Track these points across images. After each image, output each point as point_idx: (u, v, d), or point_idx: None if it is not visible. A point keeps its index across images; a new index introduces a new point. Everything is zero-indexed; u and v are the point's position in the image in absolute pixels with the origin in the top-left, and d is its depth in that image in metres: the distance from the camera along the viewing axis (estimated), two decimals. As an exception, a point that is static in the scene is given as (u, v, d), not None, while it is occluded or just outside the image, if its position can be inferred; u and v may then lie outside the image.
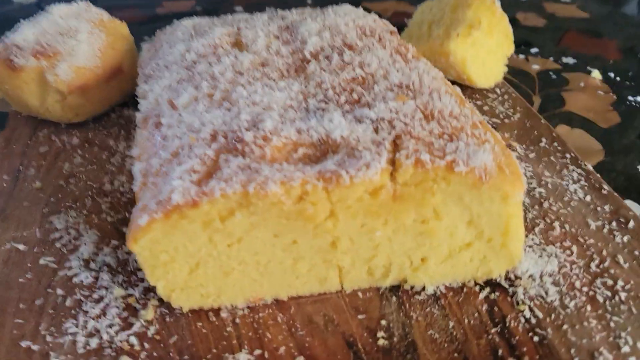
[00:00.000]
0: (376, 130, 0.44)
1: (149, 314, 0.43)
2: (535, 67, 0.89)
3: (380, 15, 0.68)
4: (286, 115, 0.45)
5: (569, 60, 0.91)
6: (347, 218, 0.41)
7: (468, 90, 0.74)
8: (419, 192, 0.41)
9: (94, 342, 0.41)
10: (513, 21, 1.03)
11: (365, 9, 0.70)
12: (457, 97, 0.52)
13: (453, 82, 0.73)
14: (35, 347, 0.41)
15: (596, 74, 0.86)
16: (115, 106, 0.68)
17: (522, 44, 0.96)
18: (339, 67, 0.53)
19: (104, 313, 0.43)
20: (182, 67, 0.54)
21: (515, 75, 0.85)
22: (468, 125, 0.46)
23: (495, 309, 0.44)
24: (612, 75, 0.87)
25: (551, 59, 0.92)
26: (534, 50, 0.94)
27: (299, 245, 0.42)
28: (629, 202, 0.60)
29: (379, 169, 0.40)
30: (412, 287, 0.46)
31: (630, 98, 0.80)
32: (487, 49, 0.72)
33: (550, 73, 0.87)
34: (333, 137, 0.43)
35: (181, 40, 0.59)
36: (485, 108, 0.71)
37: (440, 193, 0.41)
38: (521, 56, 0.92)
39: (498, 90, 0.75)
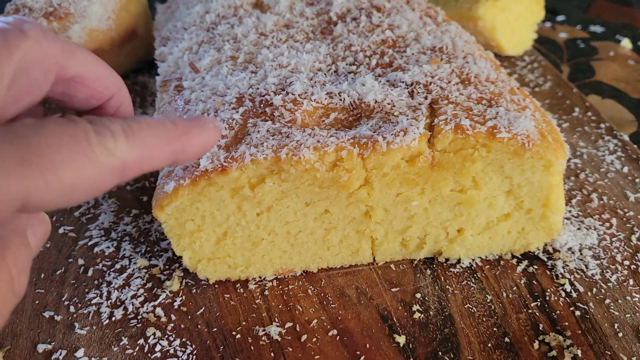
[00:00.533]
0: (411, 95, 0.42)
1: (174, 284, 0.41)
2: (563, 35, 0.86)
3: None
4: (315, 79, 0.43)
5: (597, 28, 0.88)
6: (382, 187, 0.39)
7: (496, 58, 0.71)
8: (458, 159, 0.39)
9: (118, 313, 0.39)
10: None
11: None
12: (491, 61, 0.49)
13: (480, 49, 0.70)
14: (58, 318, 0.39)
15: (626, 43, 0.83)
16: (129, 72, 0.65)
17: (548, 11, 0.92)
18: (368, 29, 0.51)
19: (127, 284, 0.42)
20: (202, 29, 0.51)
21: (542, 44, 0.82)
22: (506, 91, 0.44)
23: (534, 282, 0.42)
24: (641, 44, 0.83)
25: (579, 27, 0.88)
26: (560, 18, 0.91)
27: (331, 215, 0.40)
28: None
29: (417, 135, 0.38)
30: (446, 260, 0.44)
31: (662, 67, 0.77)
32: (516, 14, 0.69)
33: (578, 42, 0.84)
34: (366, 101, 0.41)
35: (198, 0, 0.56)
36: (515, 76, 0.68)
37: (481, 161, 0.39)
38: (547, 24, 0.88)
39: (527, 58, 0.72)
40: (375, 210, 0.40)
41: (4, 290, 0.23)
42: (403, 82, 0.43)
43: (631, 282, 0.42)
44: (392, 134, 0.37)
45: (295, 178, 0.37)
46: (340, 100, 0.41)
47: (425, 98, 0.41)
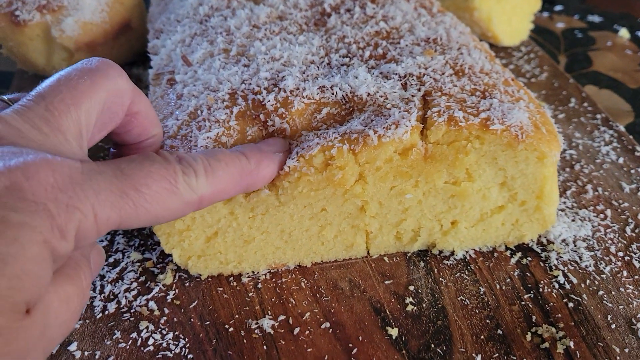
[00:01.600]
0: (404, 87, 0.42)
1: (167, 278, 0.41)
2: (560, 25, 0.85)
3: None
4: (308, 72, 0.43)
5: (595, 18, 0.87)
6: (376, 180, 0.39)
7: (492, 48, 0.71)
8: (452, 151, 0.39)
9: (112, 307, 0.39)
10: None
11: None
12: (486, 52, 0.49)
13: (477, 40, 0.70)
14: (51, 312, 0.39)
15: (624, 33, 0.82)
16: (124, 65, 0.65)
17: (546, 1, 0.92)
18: (362, 20, 0.50)
19: (120, 277, 0.42)
20: (195, 21, 0.51)
21: (539, 34, 0.82)
22: (500, 82, 0.43)
23: (528, 274, 0.42)
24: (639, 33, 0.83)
25: (576, 17, 0.88)
26: (558, 8, 0.90)
27: (328, 213, 0.40)
28: (661, 165, 0.57)
29: (409, 127, 0.37)
30: (440, 252, 0.44)
31: (660, 57, 0.77)
32: (512, 5, 0.69)
33: (576, 32, 0.83)
34: (359, 94, 0.40)
35: (193, -8, 0.56)
36: (511, 67, 0.68)
37: (474, 152, 0.39)
38: (545, 14, 0.88)
39: (523, 49, 0.72)
40: (370, 205, 0.40)
41: (79, 304, 0.26)
42: (396, 74, 0.43)
43: (625, 273, 0.42)
44: (383, 127, 0.37)
45: (290, 189, 0.37)
46: (333, 94, 0.41)
47: (419, 90, 0.41)
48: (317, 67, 0.44)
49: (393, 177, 0.39)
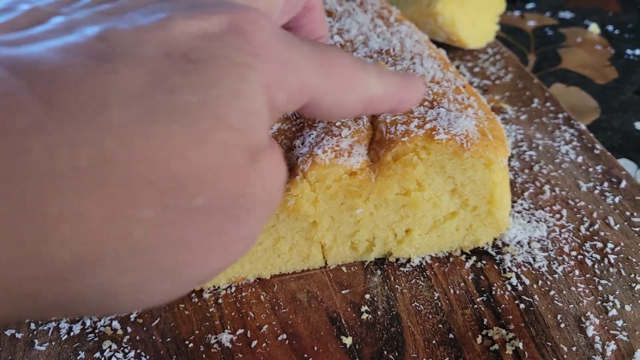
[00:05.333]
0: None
1: (131, 297, 0.43)
2: (531, 23, 0.86)
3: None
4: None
5: (567, 14, 0.88)
6: (326, 198, 0.40)
7: (459, 51, 0.72)
8: (400, 166, 0.40)
9: (77, 328, 0.41)
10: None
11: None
12: (441, 60, 0.50)
13: (443, 44, 0.71)
14: (19, 335, 0.41)
15: (594, 28, 0.83)
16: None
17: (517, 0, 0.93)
18: (317, 35, 0.52)
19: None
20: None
21: (509, 33, 0.83)
22: (451, 90, 0.45)
23: (482, 277, 0.43)
24: (610, 28, 0.83)
25: (548, 14, 0.89)
26: (530, 5, 0.91)
27: (278, 228, 0.41)
28: (624, 161, 0.58)
29: (361, 160, 0.39)
30: (397, 260, 0.45)
31: (628, 51, 0.78)
32: (476, 7, 0.70)
33: (547, 29, 0.84)
34: (308, 110, 0.42)
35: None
36: (476, 69, 0.69)
37: (422, 164, 0.40)
38: (517, 12, 0.89)
39: (490, 51, 0.73)
40: (321, 220, 0.41)
41: (284, 176, 0.25)
42: None
43: (577, 272, 0.43)
44: (333, 152, 0.38)
45: None
46: (283, 110, 0.42)
47: (367, 104, 0.42)
48: (270, 85, 0.45)
49: (343, 196, 0.40)
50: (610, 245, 0.45)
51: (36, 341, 0.40)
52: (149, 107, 0.19)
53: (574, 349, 0.38)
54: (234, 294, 0.43)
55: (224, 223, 0.21)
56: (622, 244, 0.45)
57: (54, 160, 0.17)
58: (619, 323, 0.39)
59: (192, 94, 0.20)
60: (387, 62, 0.47)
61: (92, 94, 0.18)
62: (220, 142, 0.20)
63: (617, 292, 0.41)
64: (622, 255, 0.44)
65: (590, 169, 0.52)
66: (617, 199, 0.49)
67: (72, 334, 0.41)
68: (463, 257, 0.45)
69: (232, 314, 0.41)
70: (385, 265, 0.45)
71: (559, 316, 0.40)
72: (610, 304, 0.40)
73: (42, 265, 0.18)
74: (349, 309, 0.41)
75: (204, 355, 0.39)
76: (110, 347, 0.39)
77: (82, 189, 0.18)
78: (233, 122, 0.21)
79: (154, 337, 0.40)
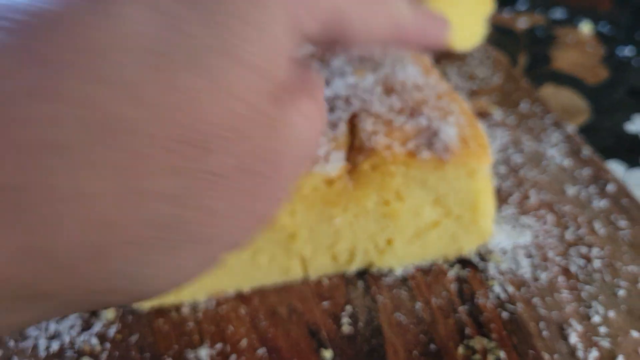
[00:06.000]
0: (332, 109, 0.43)
1: (110, 313, 0.42)
2: (522, 24, 0.85)
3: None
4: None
5: (558, 14, 0.87)
6: (304, 209, 0.40)
7: (446, 54, 0.71)
8: (378, 176, 0.39)
9: (55, 345, 0.41)
10: (499, -24, 0.99)
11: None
12: (423, 65, 0.49)
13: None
14: (-2, 354, 0.41)
15: (586, 28, 0.82)
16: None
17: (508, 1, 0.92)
18: (298, 43, 0.51)
19: (65, 315, 0.43)
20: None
21: (500, 34, 0.82)
22: (432, 97, 0.44)
23: (465, 286, 0.43)
24: (602, 27, 0.83)
25: (539, 14, 0.88)
26: (521, 6, 0.90)
27: (256, 240, 0.41)
28: (614, 163, 0.58)
29: (339, 166, 0.38)
30: (379, 271, 0.44)
31: (620, 51, 0.77)
32: (464, 10, 0.69)
33: (538, 30, 0.83)
34: (285, 120, 0.41)
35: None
36: (464, 72, 0.68)
37: (401, 176, 0.40)
38: (508, 13, 0.88)
39: (478, 53, 0.72)
40: (299, 231, 0.41)
41: (320, 122, 0.23)
42: (324, 96, 0.43)
43: (560, 278, 0.42)
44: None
45: None
46: (260, 121, 0.42)
47: (345, 112, 0.42)
48: (248, 95, 0.45)
49: (321, 205, 0.40)
50: (595, 250, 0.44)
51: (15, 358, 0.40)
52: (165, 55, 0.17)
53: (556, 356, 0.37)
54: (214, 308, 0.42)
55: (252, 184, 0.19)
56: (607, 248, 0.44)
57: (51, 129, 0.15)
58: (602, 329, 0.38)
59: (213, 36, 0.17)
60: (367, 68, 0.47)
61: (95, 43, 0.16)
62: (247, 90, 0.18)
63: (600, 298, 0.41)
64: (606, 260, 0.43)
65: (576, 173, 0.51)
66: (602, 203, 0.48)
67: (50, 350, 0.40)
68: (446, 266, 0.44)
69: (211, 328, 0.41)
70: (367, 276, 0.44)
71: (541, 324, 0.39)
72: (593, 310, 0.40)
73: (54, 259, 0.16)
74: (329, 322, 0.41)
75: (182, 371, 0.38)
76: (88, 364, 0.39)
77: (85, 162, 0.15)
78: (259, 64, 0.18)
79: (132, 353, 0.40)
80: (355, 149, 0.39)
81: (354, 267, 0.44)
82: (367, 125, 0.40)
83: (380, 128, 0.40)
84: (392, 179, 0.39)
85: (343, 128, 0.41)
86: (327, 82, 0.44)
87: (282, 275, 0.43)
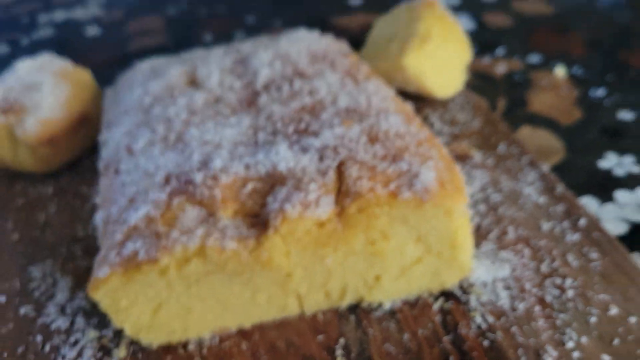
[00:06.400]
0: (321, 159, 0.47)
1: (121, 351, 0.45)
2: (501, 69, 0.91)
3: (346, 31, 0.71)
4: (235, 152, 0.48)
5: (535, 58, 0.93)
6: (298, 250, 0.43)
7: (429, 101, 0.77)
8: (364, 217, 0.43)
9: (69, 383, 0.43)
10: (480, 24, 1.05)
11: (331, 25, 0.72)
12: (406, 114, 0.54)
13: (415, 94, 0.75)
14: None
15: (560, 71, 0.88)
16: (87, 153, 0.70)
17: (489, 46, 0.98)
18: (289, 96, 0.56)
19: (80, 355, 0.46)
20: (140, 111, 0.57)
21: (480, 80, 0.87)
22: (413, 144, 0.48)
23: (449, 317, 0.46)
24: (576, 70, 0.88)
25: (517, 59, 0.93)
26: (500, 52, 0.96)
27: (255, 280, 0.44)
28: (588, 198, 0.62)
29: (329, 209, 0.42)
30: (369, 305, 0.48)
31: (593, 92, 0.82)
32: (442, 59, 0.74)
33: (516, 74, 0.89)
34: (279, 169, 0.45)
35: (140, 83, 0.62)
36: (446, 117, 0.73)
37: (385, 216, 0.43)
38: (487, 59, 0.94)
39: (459, 98, 0.77)
40: (295, 271, 0.44)
41: None
42: (314, 147, 0.48)
43: (537, 308, 0.46)
44: (302, 205, 0.42)
45: (219, 262, 0.42)
46: (257, 170, 0.46)
47: (333, 160, 0.46)
48: (245, 146, 0.49)
49: (314, 246, 0.43)
50: (568, 281, 0.48)
51: (31, 398, 0.43)
52: None
53: (534, 382, 0.40)
54: (218, 345, 0.46)
55: None
56: (580, 279, 0.48)
57: None
58: (576, 354, 0.42)
59: None
60: (353, 119, 0.51)
61: None
62: None
63: (574, 325, 0.44)
64: (579, 290, 0.47)
65: (551, 209, 0.55)
66: (575, 237, 0.52)
67: (64, 390, 0.43)
68: (431, 300, 0.48)
69: (215, 363, 0.44)
70: (358, 311, 0.47)
71: (519, 350, 0.42)
72: (567, 336, 0.43)
73: None
74: (324, 354, 0.44)
75: (188, 405, 0.41)
76: (100, 401, 0.42)
77: None
78: None
79: (141, 390, 0.43)
80: (343, 193, 0.43)
81: (346, 303, 0.48)
82: (353, 171, 0.45)
83: (364, 174, 0.44)
84: (377, 219, 0.43)
85: (332, 175, 0.45)
86: (316, 135, 0.48)
87: (280, 312, 0.47)
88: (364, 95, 0.55)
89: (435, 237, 0.45)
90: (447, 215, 0.44)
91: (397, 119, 0.52)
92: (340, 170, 0.46)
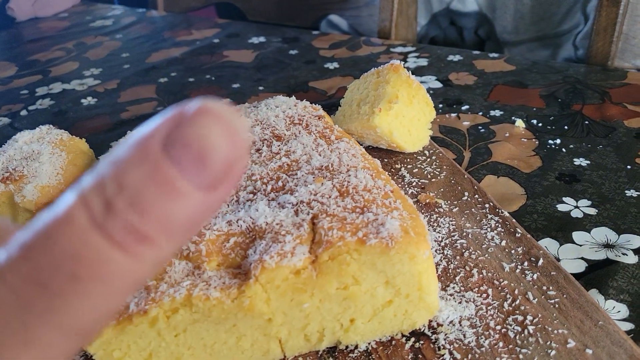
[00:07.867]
0: (297, 213, 0.51)
1: (113, 402, 0.48)
2: (466, 123, 0.98)
3: (324, 93, 0.77)
4: (219, 211, 0.53)
5: (496, 112, 1.01)
6: (277, 296, 0.47)
7: (400, 155, 0.83)
8: (336, 264, 0.47)
9: None
10: (446, 82, 1.14)
11: (311, 88, 0.79)
12: (374, 170, 0.59)
13: (386, 150, 0.81)
14: None
15: (520, 123, 0.95)
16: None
17: (455, 102, 1.06)
18: (268, 157, 0.61)
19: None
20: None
21: (447, 134, 0.94)
22: (379, 196, 0.53)
23: (420, 356, 0.50)
24: (534, 122, 0.95)
25: (480, 113, 1.01)
26: (465, 107, 1.04)
27: (239, 326, 0.48)
28: (548, 240, 0.67)
29: (303, 257, 0.46)
30: (346, 347, 0.51)
31: (550, 141, 0.89)
32: (409, 118, 0.81)
33: (479, 127, 0.96)
34: (259, 224, 0.50)
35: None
36: (415, 170, 0.79)
37: (355, 262, 0.48)
38: (453, 115, 1.01)
39: (427, 152, 0.83)
40: (275, 316, 0.48)
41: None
42: (290, 203, 0.52)
43: (501, 344, 0.50)
44: (279, 255, 0.46)
45: (204, 310, 0.45)
46: (238, 226, 0.50)
47: (307, 214, 0.51)
48: (227, 205, 0.54)
49: (292, 293, 0.48)
50: (529, 317, 0.52)
51: None
52: None
53: (498, 411, 0.44)
54: (205, 391, 0.49)
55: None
56: (540, 315, 0.52)
57: None
58: (535, 385, 0.45)
59: None
60: (326, 176, 0.57)
61: None
62: None
63: (535, 359, 0.48)
64: (540, 326, 0.51)
65: (513, 251, 0.60)
66: (535, 276, 0.57)
67: None
68: (403, 339, 0.52)
69: (203, 409, 0.47)
70: (336, 353, 0.51)
71: (485, 384, 0.46)
72: (528, 369, 0.47)
73: None
74: (305, 395, 0.47)
75: None
76: None
77: None
78: None
79: None
80: (316, 243, 0.48)
81: (324, 345, 0.51)
82: (325, 223, 0.49)
83: (335, 224, 0.49)
84: (348, 265, 0.47)
85: (306, 227, 0.50)
86: (292, 192, 0.53)
87: (263, 357, 0.50)
88: (336, 154, 0.61)
89: (402, 280, 0.50)
90: (411, 259, 0.49)
91: (366, 174, 0.57)
92: (313, 222, 0.51)
